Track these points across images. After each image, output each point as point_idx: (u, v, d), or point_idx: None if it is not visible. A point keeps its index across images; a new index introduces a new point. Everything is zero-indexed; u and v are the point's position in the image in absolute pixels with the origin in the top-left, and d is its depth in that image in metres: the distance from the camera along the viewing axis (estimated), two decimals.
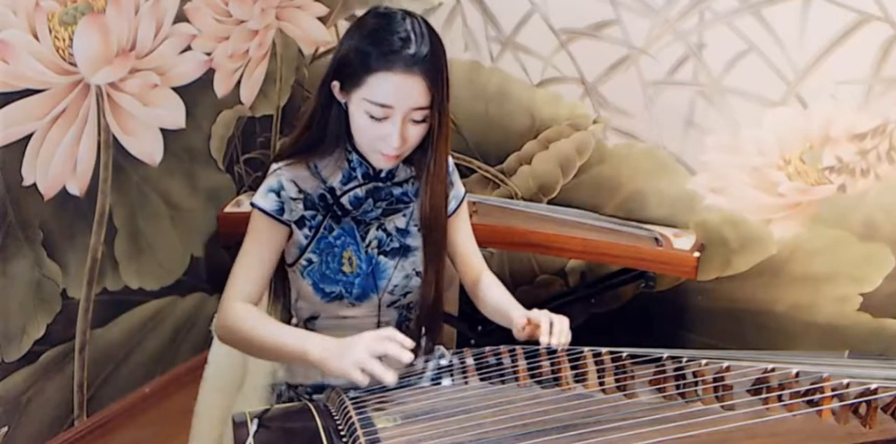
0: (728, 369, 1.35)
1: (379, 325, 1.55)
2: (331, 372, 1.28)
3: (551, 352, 1.40)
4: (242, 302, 1.41)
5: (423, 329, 1.60)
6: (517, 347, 1.42)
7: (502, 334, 1.51)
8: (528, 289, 2.63)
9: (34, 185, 2.00)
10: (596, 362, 1.39)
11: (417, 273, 1.53)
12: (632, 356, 1.39)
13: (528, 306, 2.52)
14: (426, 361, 1.58)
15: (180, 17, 2.28)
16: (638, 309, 2.52)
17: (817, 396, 1.31)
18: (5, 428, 2.05)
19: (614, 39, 2.30)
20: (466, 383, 1.38)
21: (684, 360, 1.39)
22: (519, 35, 2.41)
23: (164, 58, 2.26)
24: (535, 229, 2.26)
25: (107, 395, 2.34)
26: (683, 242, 2.24)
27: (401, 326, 1.58)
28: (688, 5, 2.19)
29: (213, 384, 1.70)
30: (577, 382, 1.36)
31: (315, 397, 1.52)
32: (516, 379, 1.37)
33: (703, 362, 1.39)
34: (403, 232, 1.52)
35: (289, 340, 1.34)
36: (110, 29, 2.08)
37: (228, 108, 2.54)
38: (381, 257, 1.50)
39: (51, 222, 2.06)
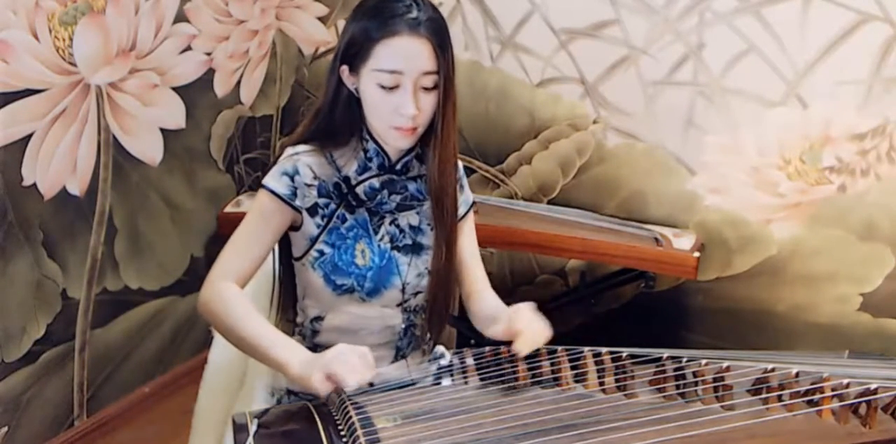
0: (728, 369, 1.35)
1: (386, 327, 1.54)
2: (304, 386, 1.26)
3: (551, 352, 1.41)
4: (230, 283, 1.38)
5: (429, 329, 1.58)
6: None
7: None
8: (528, 289, 2.63)
9: (34, 185, 2.00)
10: (596, 363, 1.39)
11: (430, 272, 1.51)
12: (632, 356, 1.39)
13: None
14: (426, 361, 1.58)
15: (180, 17, 2.28)
16: (638, 309, 2.52)
17: (817, 396, 1.31)
18: (5, 428, 2.05)
19: (614, 39, 2.30)
20: (466, 383, 1.38)
21: (684, 360, 1.39)
22: (519, 35, 2.41)
23: (164, 58, 2.26)
24: (535, 229, 2.26)
25: (107, 395, 2.34)
26: (683, 242, 2.24)
27: (407, 330, 1.56)
28: (688, 5, 2.19)
29: (213, 385, 1.69)
30: (577, 382, 1.36)
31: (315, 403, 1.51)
32: (516, 379, 1.37)
33: (703, 362, 1.39)
34: (416, 230, 1.51)
35: (277, 348, 1.31)
36: (110, 29, 2.08)
37: (228, 108, 2.54)
38: (395, 253, 1.48)
39: (51, 222, 2.06)
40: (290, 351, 1.30)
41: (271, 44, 2.64)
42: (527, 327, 1.37)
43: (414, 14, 1.34)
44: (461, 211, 1.57)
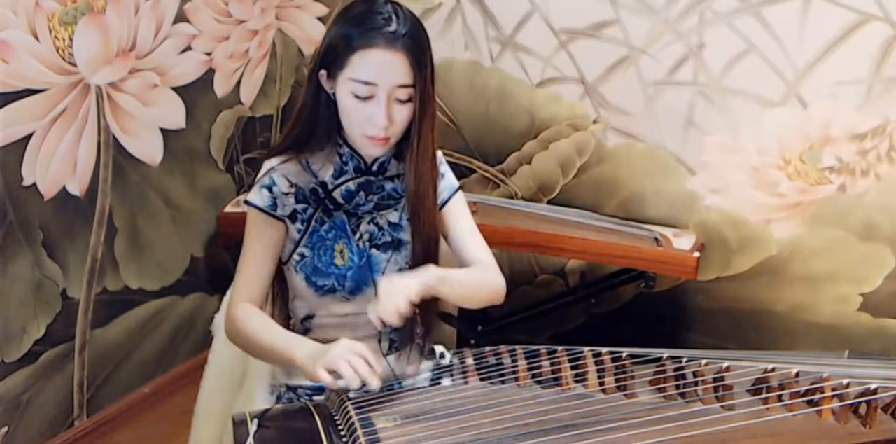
0: (728, 369, 1.35)
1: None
2: (308, 376, 1.30)
3: (552, 352, 1.41)
4: (247, 303, 1.45)
5: (421, 322, 1.58)
6: (517, 347, 1.43)
7: (502, 334, 1.51)
8: (528, 289, 2.63)
9: (34, 185, 2.00)
10: (596, 363, 1.39)
11: (411, 267, 1.52)
12: (632, 356, 1.39)
13: (528, 307, 2.53)
14: (425, 361, 1.58)
15: (180, 17, 2.28)
16: (638, 309, 2.52)
17: (817, 396, 1.31)
18: (5, 428, 2.05)
19: (614, 39, 2.30)
20: (466, 383, 1.39)
21: (684, 360, 1.40)
22: (519, 35, 2.41)
23: (164, 58, 2.26)
24: (535, 229, 2.26)
25: (107, 395, 2.34)
26: (683, 242, 2.24)
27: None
28: (688, 5, 2.19)
29: (213, 384, 1.70)
30: (577, 382, 1.36)
31: (315, 398, 1.52)
32: (516, 379, 1.37)
33: (703, 362, 1.39)
34: (396, 226, 1.52)
35: (281, 345, 1.37)
36: (110, 29, 2.08)
37: (228, 108, 2.54)
38: (374, 251, 1.50)
39: (51, 222, 2.06)
40: (293, 346, 1.35)
41: (271, 44, 2.64)
42: (381, 295, 1.31)
43: (392, 27, 1.35)
44: (444, 196, 1.57)
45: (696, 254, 2.18)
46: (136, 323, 2.38)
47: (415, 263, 1.51)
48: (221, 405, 1.68)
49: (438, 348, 1.63)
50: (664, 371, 1.37)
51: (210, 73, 2.43)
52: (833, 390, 1.31)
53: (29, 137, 1.96)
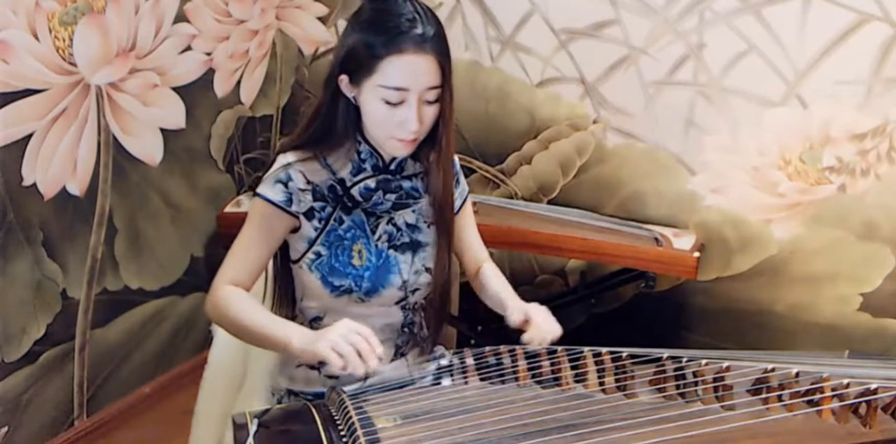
0: (728, 369, 1.35)
1: (385, 326, 1.54)
2: (307, 357, 1.30)
3: (551, 352, 1.41)
4: (232, 286, 1.41)
5: (428, 326, 1.59)
6: (517, 347, 1.42)
7: (502, 334, 1.51)
8: (528, 289, 2.63)
9: (34, 185, 2.00)
10: (596, 363, 1.39)
11: (427, 269, 1.52)
12: (632, 356, 1.39)
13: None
14: (426, 361, 1.58)
15: (180, 17, 2.28)
16: (638, 309, 2.52)
17: (817, 396, 1.31)
18: (5, 428, 2.05)
19: (614, 39, 2.30)
20: (466, 383, 1.38)
21: (684, 360, 1.40)
22: (519, 35, 2.41)
23: (164, 58, 2.26)
24: (535, 229, 2.26)
25: (107, 395, 2.34)
26: (683, 242, 2.24)
27: (406, 328, 1.56)
28: (688, 5, 2.19)
29: (213, 385, 1.69)
30: (577, 382, 1.36)
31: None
32: (516, 379, 1.37)
33: (703, 362, 1.39)
34: (413, 228, 1.52)
35: (274, 329, 1.35)
36: (110, 29, 2.08)
37: (228, 108, 2.54)
38: (392, 252, 1.49)
39: (51, 222, 2.06)
40: (287, 330, 1.33)
41: (271, 44, 2.64)
42: (543, 321, 1.43)
43: (419, 30, 1.33)
44: (458, 203, 1.58)
45: (696, 254, 2.18)
46: (136, 323, 2.39)
47: (439, 264, 1.52)
48: (221, 405, 1.68)
49: (438, 349, 1.63)
50: (664, 371, 1.37)
51: (210, 73, 2.43)
52: (833, 390, 1.31)
53: (29, 137, 1.96)
